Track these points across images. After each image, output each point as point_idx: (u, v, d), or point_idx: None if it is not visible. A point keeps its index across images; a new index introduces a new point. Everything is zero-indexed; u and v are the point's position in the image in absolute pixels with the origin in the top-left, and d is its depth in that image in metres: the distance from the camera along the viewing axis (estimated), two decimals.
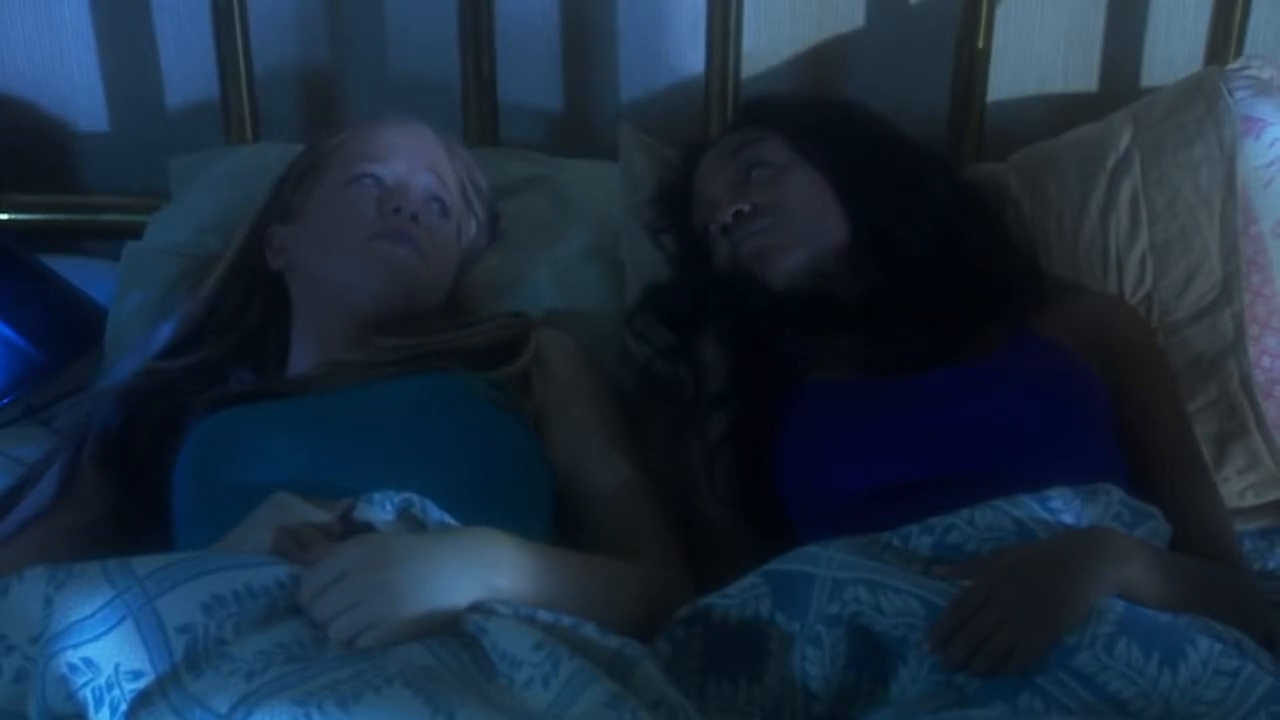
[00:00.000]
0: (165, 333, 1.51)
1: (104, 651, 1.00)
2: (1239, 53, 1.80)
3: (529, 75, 1.95)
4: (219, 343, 1.50)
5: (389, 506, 1.17)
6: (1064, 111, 1.87)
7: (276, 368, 1.49)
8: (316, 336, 1.46)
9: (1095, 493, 1.23)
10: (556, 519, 1.36)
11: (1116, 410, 1.37)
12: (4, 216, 1.97)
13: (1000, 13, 1.83)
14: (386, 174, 1.50)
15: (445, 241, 1.53)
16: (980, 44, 1.82)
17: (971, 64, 1.83)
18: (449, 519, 1.18)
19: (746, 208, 1.46)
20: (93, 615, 1.01)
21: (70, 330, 1.76)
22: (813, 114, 1.55)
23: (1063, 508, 1.21)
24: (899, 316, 1.39)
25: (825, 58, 1.92)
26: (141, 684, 1.00)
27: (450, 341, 1.44)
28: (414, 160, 1.52)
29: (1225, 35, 1.81)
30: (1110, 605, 1.10)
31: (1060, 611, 1.08)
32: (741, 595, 1.17)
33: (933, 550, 1.18)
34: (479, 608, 1.09)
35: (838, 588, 1.13)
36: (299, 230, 1.51)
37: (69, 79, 2.00)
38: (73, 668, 0.99)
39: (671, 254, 1.63)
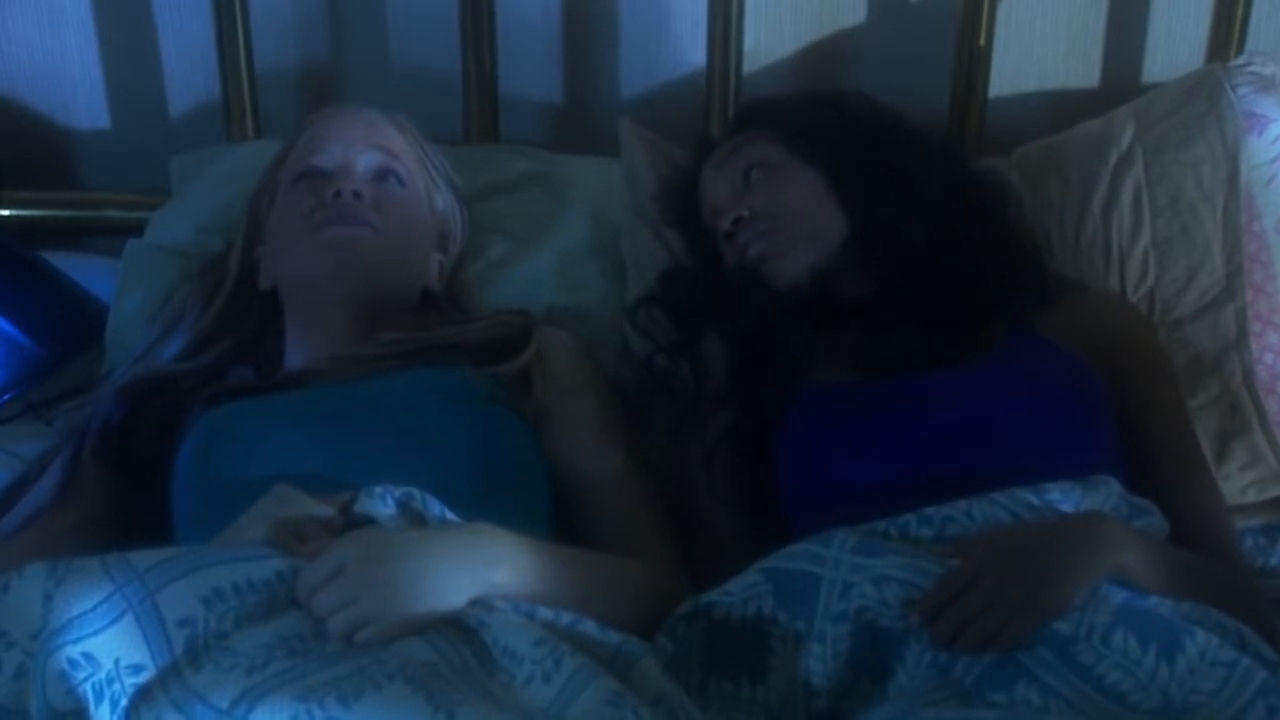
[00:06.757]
0: (171, 350, 1.51)
1: (104, 646, 1.00)
2: (1240, 49, 1.80)
3: (530, 71, 1.94)
4: (221, 344, 1.51)
5: (389, 500, 1.16)
6: (1065, 108, 1.87)
7: (275, 366, 1.48)
8: (310, 341, 1.46)
9: (1093, 485, 1.23)
10: (556, 516, 1.36)
11: (1117, 409, 1.37)
12: (5, 213, 1.97)
13: (1001, 10, 1.83)
14: (327, 162, 1.50)
15: (405, 210, 1.51)
16: (981, 41, 1.82)
17: (972, 61, 1.83)
18: (449, 514, 1.18)
19: (745, 214, 1.46)
20: (93, 610, 1.00)
21: (71, 327, 1.75)
22: (805, 111, 1.55)
23: (1061, 499, 1.21)
24: (901, 316, 1.39)
25: (826, 55, 1.92)
26: (142, 678, 1.00)
27: (450, 336, 1.44)
28: (353, 141, 1.52)
29: (1226, 32, 1.81)
30: (1109, 594, 1.10)
31: (1048, 594, 1.08)
32: (743, 593, 1.17)
33: (932, 543, 1.18)
34: (478, 603, 1.09)
35: (846, 589, 1.13)
36: (270, 246, 1.52)
37: (70, 76, 1.99)
38: (73, 663, 0.99)
39: (674, 249, 1.63)
